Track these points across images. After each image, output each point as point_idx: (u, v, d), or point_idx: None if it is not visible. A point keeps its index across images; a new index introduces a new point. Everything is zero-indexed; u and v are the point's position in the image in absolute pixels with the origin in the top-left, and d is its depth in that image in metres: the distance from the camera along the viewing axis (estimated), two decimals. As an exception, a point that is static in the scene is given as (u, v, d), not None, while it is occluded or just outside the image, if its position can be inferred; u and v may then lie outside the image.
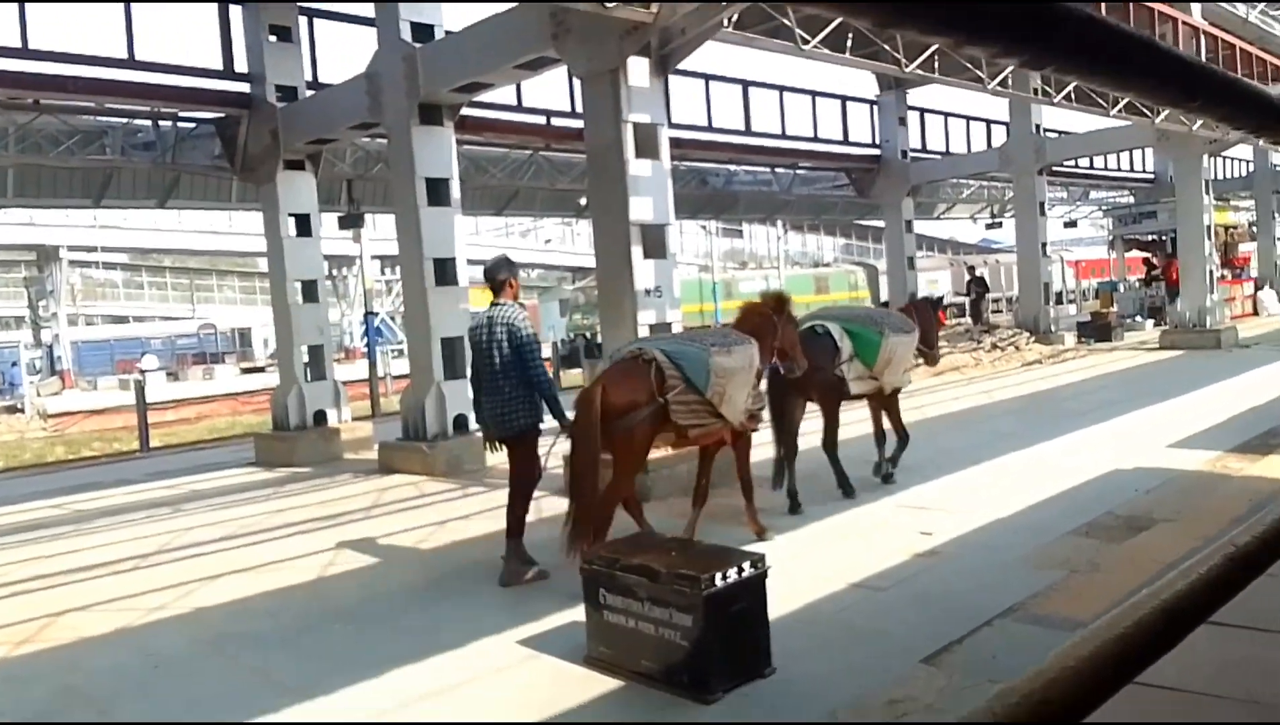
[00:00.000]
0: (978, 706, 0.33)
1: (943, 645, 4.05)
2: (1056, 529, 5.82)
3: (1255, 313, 24.43)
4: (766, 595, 3.93)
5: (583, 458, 5.42)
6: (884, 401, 7.57)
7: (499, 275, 5.87)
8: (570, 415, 5.54)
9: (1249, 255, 28.58)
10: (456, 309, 10.09)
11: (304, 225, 11.75)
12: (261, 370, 33.48)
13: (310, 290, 11.86)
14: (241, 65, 11.73)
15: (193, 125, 13.61)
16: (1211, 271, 17.97)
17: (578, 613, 4.34)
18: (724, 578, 3.74)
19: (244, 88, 11.72)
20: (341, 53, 12.49)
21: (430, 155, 9.87)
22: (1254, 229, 29.87)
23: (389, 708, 3.88)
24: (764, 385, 6.22)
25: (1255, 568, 0.41)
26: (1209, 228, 18.06)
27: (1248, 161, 31.93)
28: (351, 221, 17.57)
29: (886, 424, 7.69)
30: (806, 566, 5.33)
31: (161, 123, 13.95)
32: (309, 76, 12.17)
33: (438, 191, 9.92)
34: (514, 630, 4.62)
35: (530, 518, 5.87)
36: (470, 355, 5.99)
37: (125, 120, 14.04)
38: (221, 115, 11.99)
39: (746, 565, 3.86)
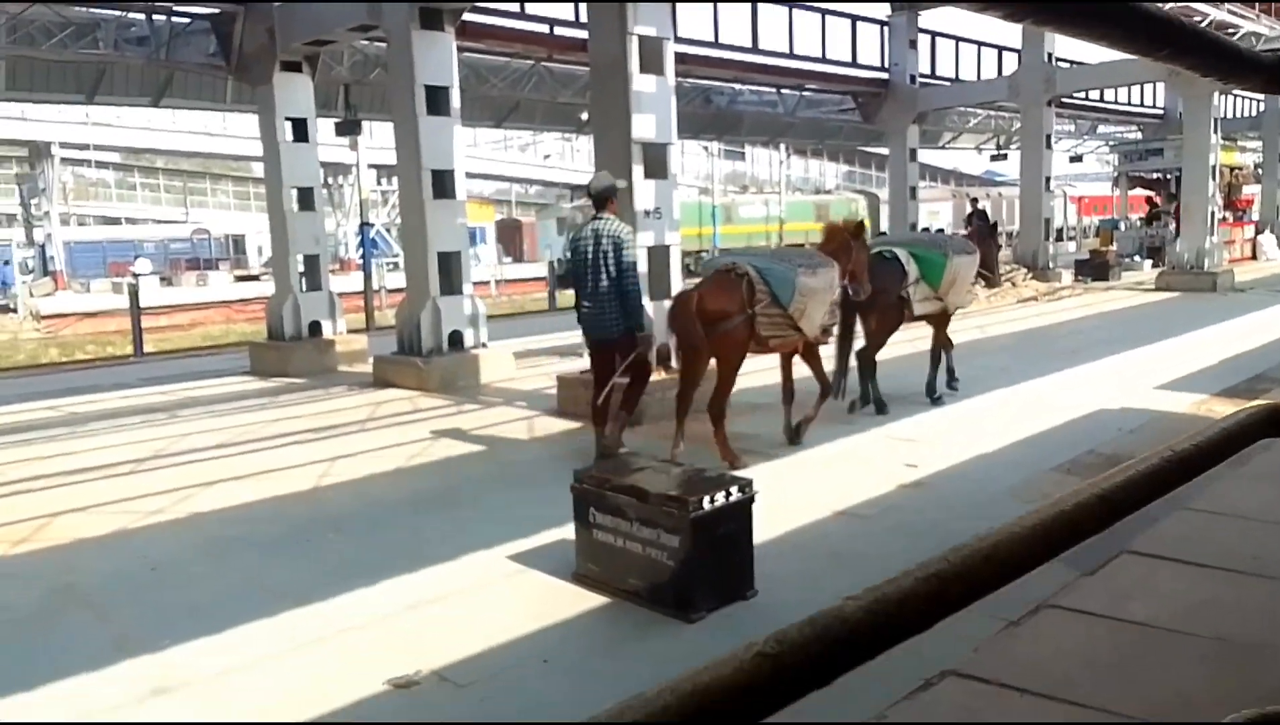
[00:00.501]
0: (934, 556, 0.36)
1: (922, 574, 4.16)
2: (1039, 465, 5.92)
3: (1254, 257, 24.39)
4: (752, 520, 4.01)
5: (686, 361, 6.19)
6: (940, 320, 7.99)
7: (604, 192, 6.25)
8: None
9: (1252, 198, 28.38)
10: (454, 223, 10.02)
11: (300, 130, 11.56)
12: (256, 278, 33.34)
13: (306, 198, 11.73)
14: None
15: (188, 21, 13.25)
16: (1213, 213, 17.87)
17: (567, 531, 4.43)
18: (711, 501, 3.82)
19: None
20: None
21: (430, 62, 9.67)
22: (1259, 171, 29.59)
23: (382, 615, 3.98)
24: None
25: (1191, 471, 0.44)
26: (1214, 168, 17.91)
27: (1259, 101, 31.46)
28: (349, 128, 17.30)
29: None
30: (793, 493, 5.43)
31: (155, 17, 13.58)
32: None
33: (437, 100, 9.74)
34: (504, 545, 4.71)
35: (524, 436, 5.93)
36: (571, 262, 6.45)
37: (119, 13, 13.68)
38: (217, 11, 11.72)
39: (734, 489, 3.93)
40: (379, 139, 34.43)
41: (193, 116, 37.77)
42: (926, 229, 9.69)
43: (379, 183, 38.72)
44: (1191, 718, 2.83)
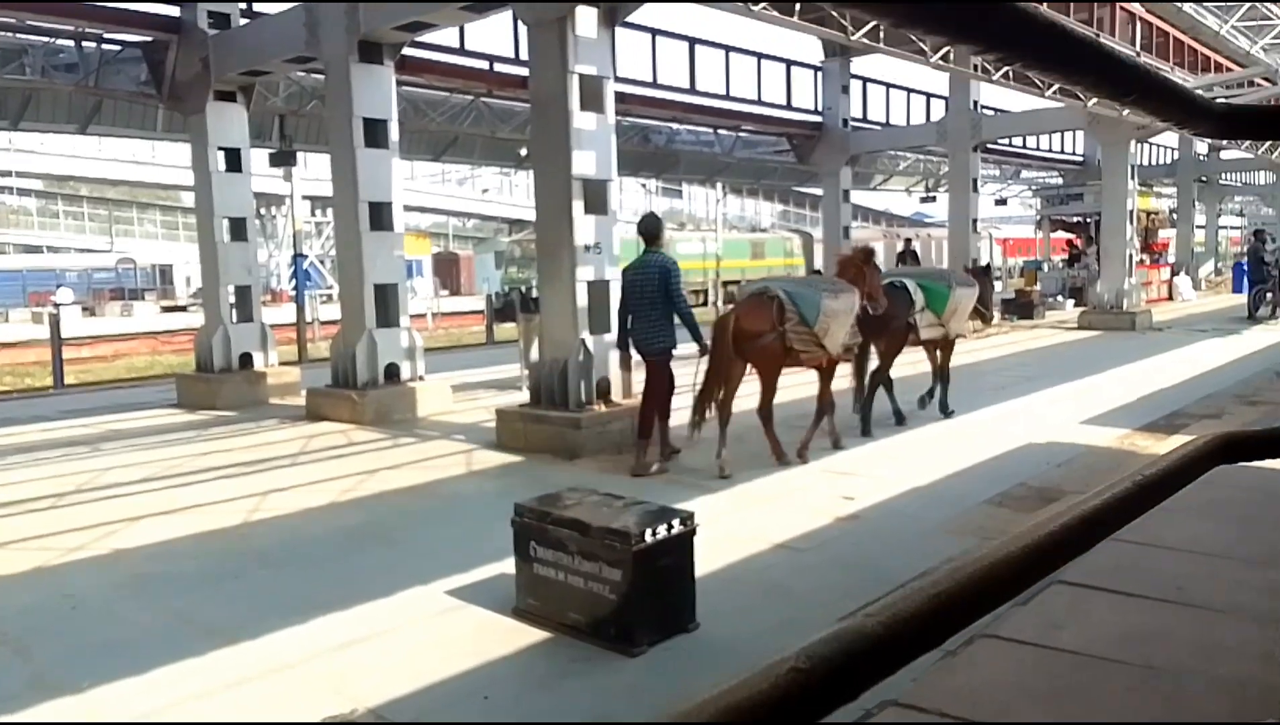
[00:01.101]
0: (940, 574, 0.38)
1: (859, 605, 4.16)
2: (972, 498, 6.05)
3: (1170, 298, 25.40)
4: (694, 553, 4.02)
5: (715, 364, 6.99)
6: (943, 346, 8.91)
7: (654, 229, 7.40)
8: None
9: (1167, 241, 29.64)
10: (391, 255, 9.94)
11: (234, 160, 11.39)
12: (184, 309, 32.54)
13: (239, 228, 11.53)
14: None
15: (119, 48, 13.02)
16: (1131, 255, 18.60)
17: (506, 565, 4.38)
18: (654, 534, 3.82)
19: (174, 11, 11.26)
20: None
21: (369, 94, 9.64)
22: (1174, 216, 30.95)
23: (313, 654, 3.88)
24: None
25: (1158, 495, 0.46)
26: (1132, 212, 18.67)
27: (1173, 149, 33.06)
28: (283, 159, 17.08)
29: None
30: (733, 526, 5.46)
31: (85, 44, 13.31)
32: (243, 4, 11.74)
33: (375, 133, 9.70)
34: (442, 581, 4.64)
35: (462, 469, 5.87)
36: (622, 289, 7.41)
37: (47, 39, 13.38)
38: (149, 39, 11.52)
39: (676, 522, 3.94)
40: (313, 170, 34.08)
41: (120, 144, 36.93)
42: (979, 264, 11.11)
43: (313, 214, 38.22)
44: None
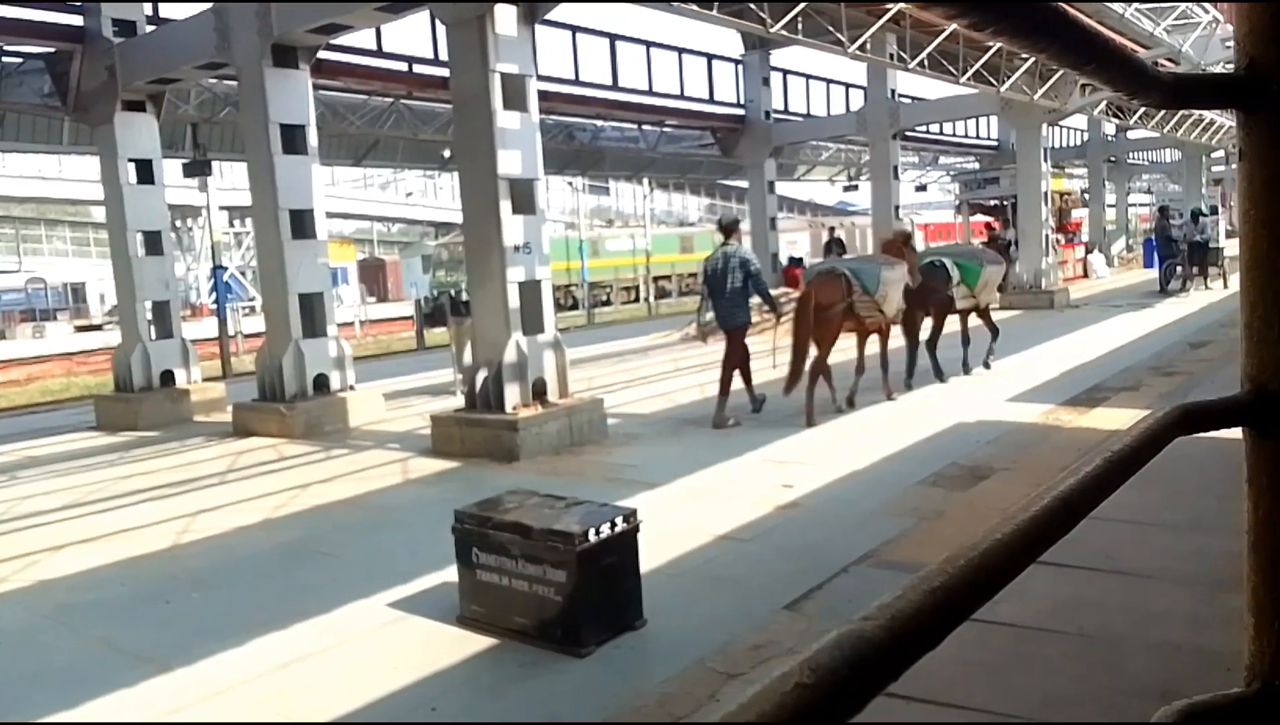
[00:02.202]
0: (932, 569, 0.38)
1: (803, 592, 4.26)
2: (907, 480, 6.16)
3: (1085, 275, 26.25)
4: (638, 549, 4.02)
5: (799, 333, 8.22)
6: (981, 314, 10.36)
7: (730, 225, 8.79)
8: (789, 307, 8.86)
9: (1080, 221, 30.61)
10: (314, 263, 9.74)
11: (145, 171, 11.03)
12: (99, 328, 31.43)
13: (153, 242, 11.17)
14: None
15: (19, 60, 12.47)
16: (1048, 236, 19.17)
17: (449, 573, 4.33)
18: (597, 533, 3.80)
19: (77, 20, 10.85)
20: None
21: (285, 100, 9.41)
22: (1086, 196, 31.98)
23: (252, 676, 3.78)
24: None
25: (1127, 471, 0.48)
26: (1046, 194, 19.23)
27: (1082, 131, 34.14)
28: (197, 168, 16.55)
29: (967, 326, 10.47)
30: (676, 521, 5.47)
31: (-18, 57, 12.74)
32: (149, 10, 11.37)
33: (293, 139, 9.48)
34: (384, 593, 4.57)
35: (399, 478, 5.78)
36: (705, 276, 8.68)
37: (-61, 52, 12.75)
38: (52, 49, 11.07)
39: (619, 520, 3.93)
40: (230, 179, 33.20)
41: (25, 160, 35.48)
42: (1001, 239, 15.75)
43: (231, 224, 37.26)
44: (1064, 713, 2.99)
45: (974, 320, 10.54)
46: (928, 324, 10.08)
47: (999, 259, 10.97)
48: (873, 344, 9.06)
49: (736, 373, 8.61)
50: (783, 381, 8.37)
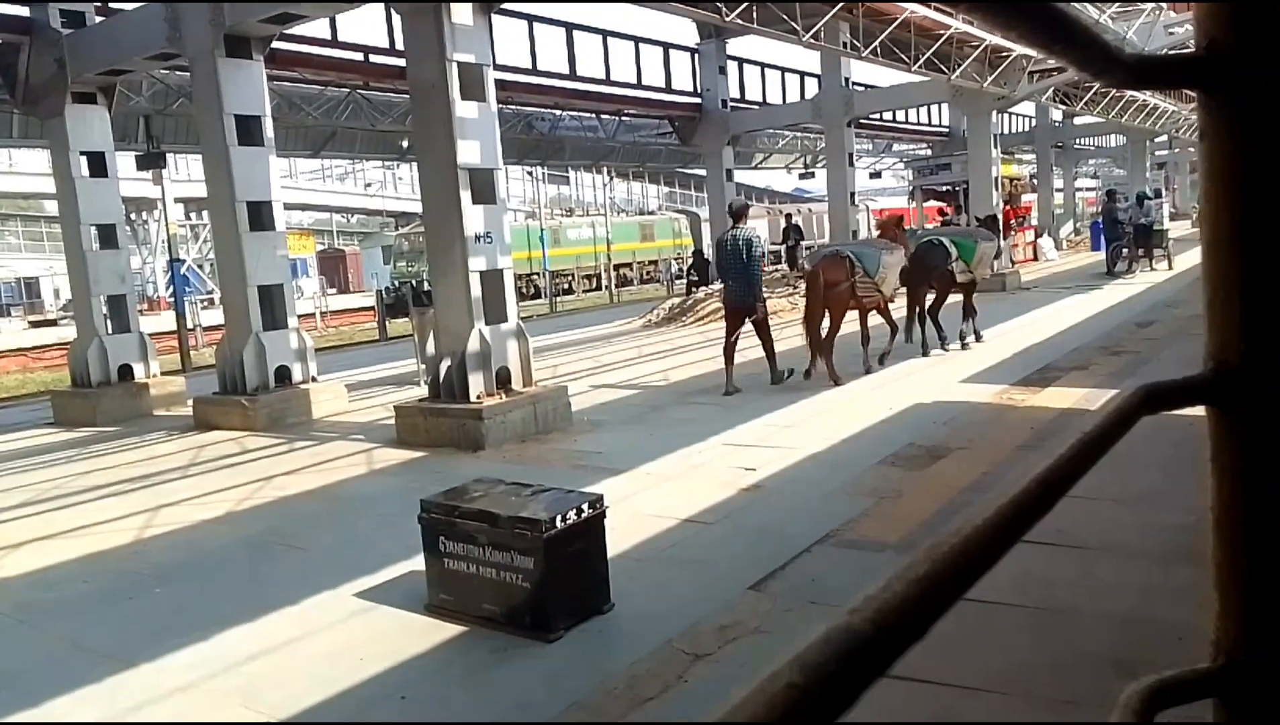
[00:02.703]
0: (916, 558, 0.41)
1: (767, 573, 4.35)
2: (866, 460, 6.28)
3: (1035, 258, 26.68)
4: (605, 535, 4.08)
5: (811, 310, 9.34)
6: (967, 289, 11.08)
7: (740, 210, 9.41)
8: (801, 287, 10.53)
9: (1030, 205, 31.09)
10: (274, 255, 9.65)
11: (98, 164, 10.84)
12: (54, 323, 30.73)
13: (108, 235, 10.99)
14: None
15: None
16: (998, 220, 19.47)
17: (416, 563, 4.36)
18: (564, 519, 3.86)
19: (24, 11, 10.61)
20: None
21: (239, 90, 9.30)
22: (1034, 181, 32.48)
23: (219, 670, 3.78)
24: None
25: (1099, 450, 0.52)
26: (997, 179, 19.54)
27: (1030, 118, 34.67)
28: (150, 161, 16.26)
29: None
30: (641, 506, 5.54)
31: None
32: (98, 1, 11.16)
33: (249, 130, 9.37)
34: (351, 583, 4.58)
35: (363, 469, 5.78)
36: (716, 256, 9.91)
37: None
38: (-1, 41, 10.83)
39: (585, 506, 3.99)
40: (185, 171, 32.57)
41: (-33, 152, 34.55)
42: (993, 216, 16.94)
43: (188, 217, 36.59)
44: (1024, 685, 3.10)
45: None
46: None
47: (991, 236, 12.30)
48: (850, 322, 9.82)
49: (757, 345, 9.58)
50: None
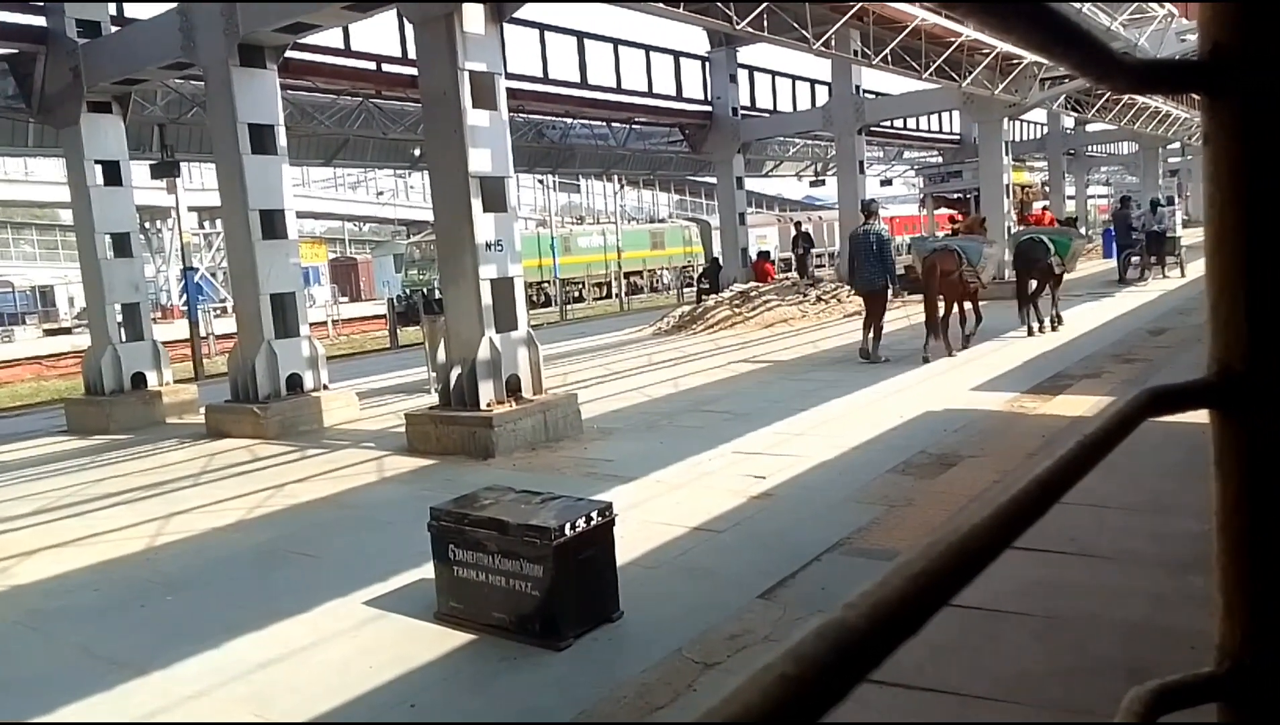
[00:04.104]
0: (914, 555, 0.40)
1: (777, 581, 4.34)
2: (876, 468, 6.26)
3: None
4: (614, 542, 4.07)
5: (929, 295, 10.98)
6: (1059, 280, 12.87)
7: (871, 208, 11.29)
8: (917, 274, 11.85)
9: (1042, 213, 30.96)
10: (286, 264, 9.71)
11: (113, 173, 10.93)
12: (68, 331, 30.94)
13: (122, 244, 11.08)
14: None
15: (-18, 62, 12.31)
16: (1009, 227, 19.41)
17: (426, 570, 4.36)
18: (573, 527, 3.86)
19: (40, 21, 10.72)
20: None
21: (253, 100, 9.37)
22: (1046, 188, 32.39)
23: (229, 678, 3.79)
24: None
25: (1098, 453, 0.51)
26: (1008, 187, 19.48)
27: (1042, 125, 34.58)
28: (165, 170, 16.38)
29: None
30: (651, 514, 5.53)
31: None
32: (114, 11, 11.26)
33: (262, 139, 9.44)
34: (361, 591, 4.59)
35: (374, 477, 5.79)
36: (850, 247, 11.50)
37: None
38: (15, 50, 10.93)
39: (595, 514, 3.98)
40: (198, 180, 32.79)
41: (-13, 162, 34.89)
42: (1073, 218, 19.51)
43: (201, 225, 36.84)
44: (1034, 693, 3.08)
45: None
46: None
47: (1084, 235, 15.12)
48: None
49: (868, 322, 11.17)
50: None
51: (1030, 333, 12.33)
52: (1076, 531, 4.32)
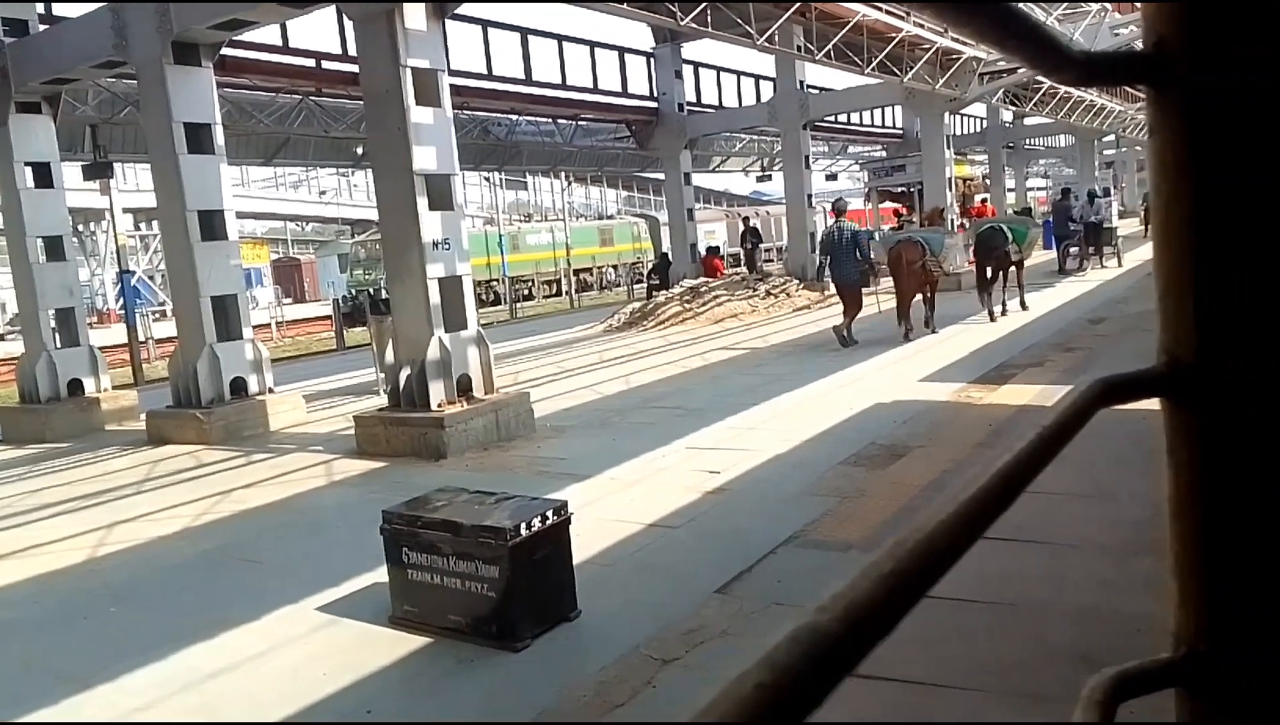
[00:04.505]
0: (881, 555, 0.40)
1: (733, 575, 4.36)
2: (829, 461, 6.33)
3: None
4: (570, 541, 4.06)
5: (899, 282, 11.92)
6: (1019, 267, 13.64)
7: (843, 206, 12.36)
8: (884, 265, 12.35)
9: (987, 204, 31.56)
10: (227, 265, 9.51)
11: (43, 175, 10.61)
12: (0, 338, 30.00)
13: (54, 247, 10.77)
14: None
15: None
16: (953, 220, 19.74)
17: (379, 575, 4.32)
18: (528, 527, 3.84)
19: (-39, 21, 10.36)
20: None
21: (188, 98, 9.16)
22: (987, 181, 32.98)
23: (178, 689, 3.71)
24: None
25: (1056, 445, 0.52)
26: (950, 180, 19.81)
27: (982, 119, 35.21)
28: (97, 171, 15.95)
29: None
30: (606, 511, 5.53)
31: None
32: (41, 9, 10.92)
33: (199, 138, 9.23)
34: (312, 597, 4.52)
35: (323, 481, 5.70)
36: (825, 243, 12.12)
37: None
38: (-65, 51, 10.55)
39: (550, 513, 3.97)
40: (134, 180, 31.95)
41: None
42: (1028, 208, 21.25)
43: (137, 227, 35.92)
44: (993, 682, 3.14)
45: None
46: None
47: (1039, 223, 17.08)
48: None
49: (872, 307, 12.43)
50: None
51: (992, 317, 12.94)
52: (1030, 519, 4.41)
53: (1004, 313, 13.31)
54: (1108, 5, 17.56)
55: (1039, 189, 52.40)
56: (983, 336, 11.64)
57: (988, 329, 12.33)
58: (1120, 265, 20.09)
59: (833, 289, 13.12)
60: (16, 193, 10.43)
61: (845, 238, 11.62)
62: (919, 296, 12.26)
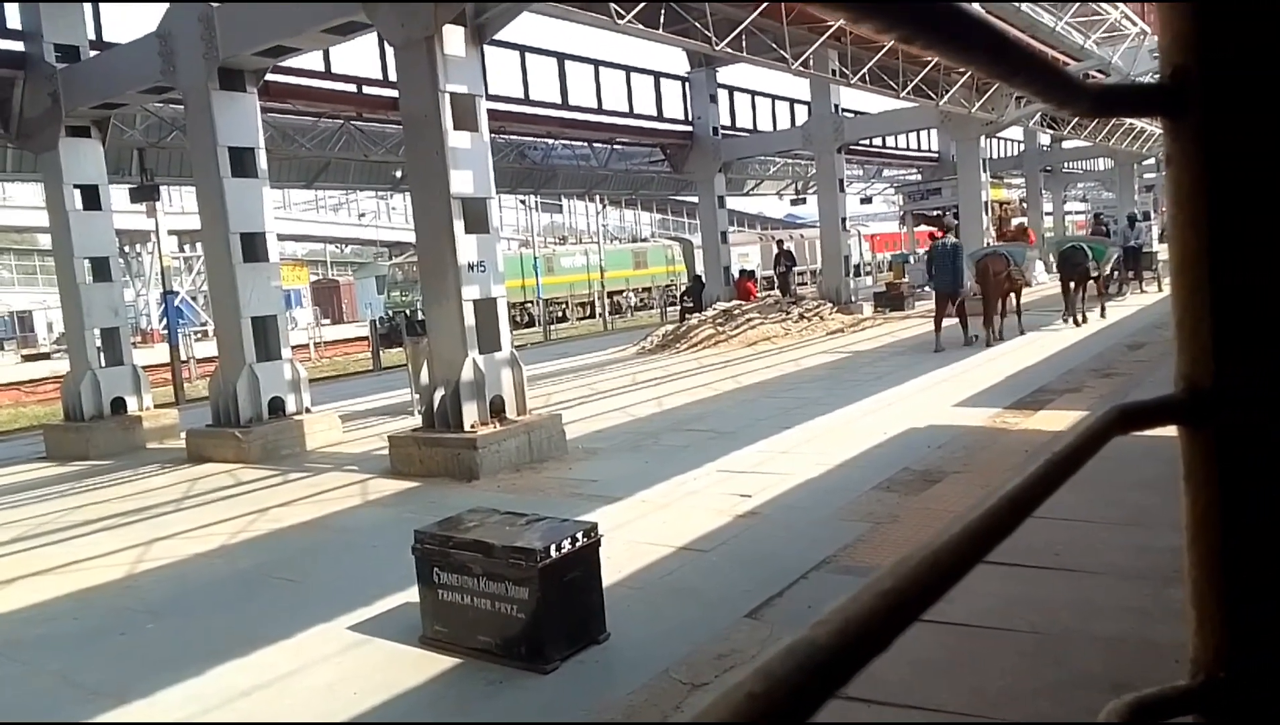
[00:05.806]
0: (884, 572, 0.40)
1: (764, 600, 4.33)
2: (861, 485, 6.27)
3: (1027, 282, 26.75)
4: (600, 563, 4.06)
5: (988, 291, 13.32)
6: (1097, 282, 15.19)
7: (952, 225, 14.47)
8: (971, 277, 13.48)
9: (1024, 227, 31.25)
10: (268, 286, 9.67)
11: (91, 197, 10.88)
12: (47, 357, 30.66)
13: (101, 268, 11.03)
14: (15, 21, 10.69)
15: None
16: (989, 244, 19.57)
17: (410, 594, 4.34)
18: (558, 549, 3.84)
19: (18, 46, 10.68)
20: (129, 11, 11.62)
21: (233, 123, 9.36)
22: (1024, 204, 32.71)
23: (213, 705, 3.75)
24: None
25: (1069, 469, 0.51)
26: (986, 203, 19.68)
27: (1019, 142, 34.95)
28: (144, 193, 16.33)
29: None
30: (637, 534, 5.52)
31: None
32: (92, 35, 11.24)
33: (243, 162, 9.43)
34: (344, 617, 4.55)
35: (358, 500, 5.75)
36: (930, 256, 13.59)
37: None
38: (-9, 75, 10.90)
39: (580, 535, 3.97)
40: (178, 203, 32.66)
41: (-37, 187, 34.65)
42: (1104, 224, 20.33)
43: (181, 249, 36.67)
44: (1018, 709, 3.09)
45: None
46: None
47: (1116, 242, 17.73)
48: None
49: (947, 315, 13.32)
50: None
51: (1076, 324, 14.58)
52: (1060, 547, 4.35)
53: (1085, 320, 14.79)
54: (1146, 29, 17.40)
55: (1077, 212, 51.82)
56: (1013, 363, 11.49)
57: (1015, 355, 12.44)
58: (1160, 290, 19.81)
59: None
60: (65, 214, 10.70)
61: (949, 252, 13.06)
62: (1002, 304, 13.73)
